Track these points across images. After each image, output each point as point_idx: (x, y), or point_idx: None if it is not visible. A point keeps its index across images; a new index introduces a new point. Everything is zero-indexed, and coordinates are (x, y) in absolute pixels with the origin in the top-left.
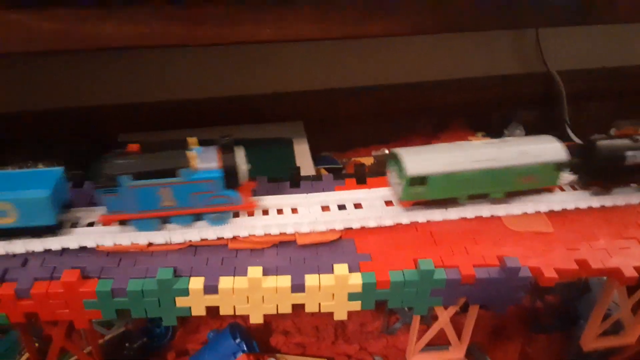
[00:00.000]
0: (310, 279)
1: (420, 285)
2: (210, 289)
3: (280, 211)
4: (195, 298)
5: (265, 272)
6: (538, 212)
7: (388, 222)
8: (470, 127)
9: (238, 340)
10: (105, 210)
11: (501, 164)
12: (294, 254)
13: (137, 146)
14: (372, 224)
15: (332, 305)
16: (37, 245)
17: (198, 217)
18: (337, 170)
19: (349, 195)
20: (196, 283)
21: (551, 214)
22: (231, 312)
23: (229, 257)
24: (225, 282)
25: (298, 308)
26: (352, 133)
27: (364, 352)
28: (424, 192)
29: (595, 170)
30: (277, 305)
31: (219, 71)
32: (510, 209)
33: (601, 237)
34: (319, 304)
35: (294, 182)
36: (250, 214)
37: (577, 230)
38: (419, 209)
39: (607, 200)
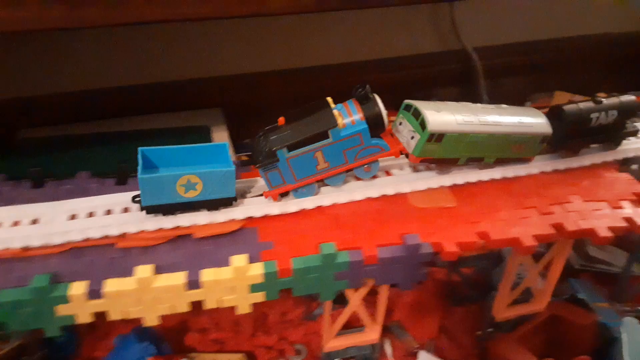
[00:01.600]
0: (207, 274)
1: (323, 270)
2: (95, 293)
3: None
4: (78, 305)
5: (159, 270)
6: (442, 187)
7: (292, 208)
8: (393, 107)
9: (146, 344)
10: (268, 187)
11: (504, 129)
12: (190, 249)
13: (283, 119)
14: (275, 211)
15: (234, 299)
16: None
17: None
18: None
19: (253, 182)
20: (78, 288)
21: (455, 188)
22: (122, 317)
23: (117, 257)
24: (111, 285)
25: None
26: (277, 118)
27: (284, 342)
28: (436, 149)
29: (565, 134)
30: (173, 305)
31: (129, 57)
32: (416, 185)
33: (502, 208)
34: (220, 299)
35: (120, 179)
36: None
37: (479, 203)
38: (325, 193)
39: (509, 171)
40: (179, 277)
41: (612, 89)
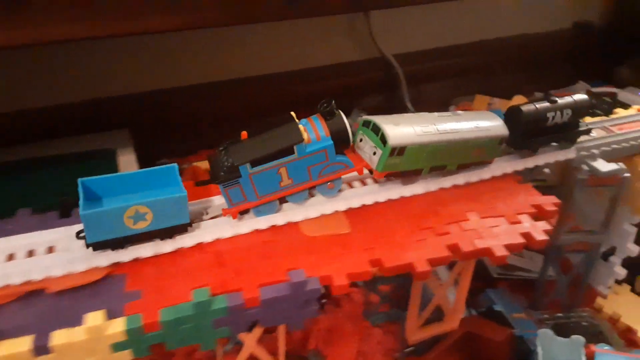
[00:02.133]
0: (58, 337)
1: (197, 319)
2: None
3: (31, 252)
4: None
5: (3, 336)
6: (336, 212)
7: (167, 248)
8: None
9: None
10: (228, 204)
11: (463, 136)
12: (44, 306)
13: (245, 133)
14: (147, 252)
15: None
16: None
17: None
18: None
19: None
20: None
21: (350, 212)
22: None
23: None
24: None
25: None
26: (193, 135)
27: None
28: (399, 163)
29: (523, 134)
30: None
31: (26, 79)
32: (308, 212)
33: (398, 231)
34: None
35: (64, 212)
36: None
37: (375, 227)
38: (206, 228)
39: (406, 191)
40: (25, 343)
41: (533, 89)
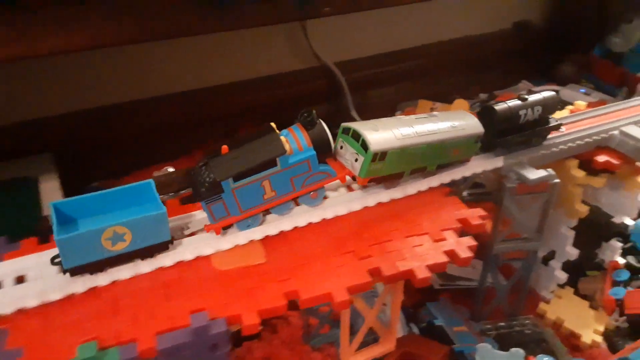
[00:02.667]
0: None
1: None
2: None
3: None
4: None
5: None
6: (252, 242)
7: (55, 296)
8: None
9: None
10: (210, 220)
11: (441, 136)
12: None
13: (226, 147)
14: (32, 302)
15: None
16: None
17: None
18: None
19: (12, 265)
20: None
21: (267, 240)
22: None
23: None
24: None
25: None
26: (128, 154)
27: None
28: (381, 168)
29: (497, 132)
30: None
31: None
32: (220, 244)
33: (318, 258)
34: None
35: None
36: None
37: (293, 255)
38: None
39: (328, 212)
40: None
41: (477, 91)
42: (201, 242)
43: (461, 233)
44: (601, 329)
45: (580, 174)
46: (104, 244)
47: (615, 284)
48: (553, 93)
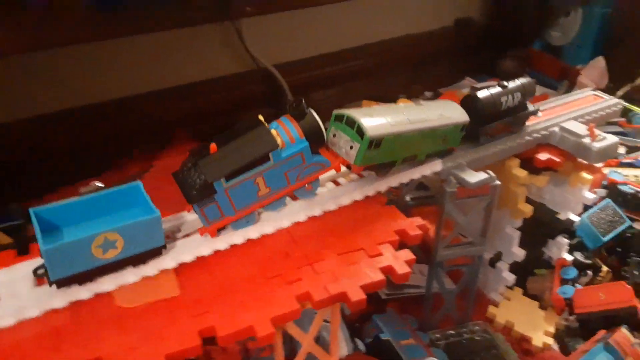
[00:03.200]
0: None
1: None
2: None
3: None
4: None
5: None
6: (163, 272)
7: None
8: (196, 138)
9: None
10: (204, 223)
11: (432, 124)
12: None
13: (214, 145)
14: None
15: None
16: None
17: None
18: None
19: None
20: None
21: (181, 268)
22: None
23: None
24: None
25: None
26: (50, 172)
27: None
28: (377, 155)
29: (481, 119)
30: None
31: None
32: (122, 277)
33: (240, 285)
34: None
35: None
36: None
37: (211, 284)
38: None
39: (252, 232)
40: None
41: (422, 89)
42: (89, 286)
43: (400, 245)
44: (551, 329)
45: (522, 173)
46: (94, 252)
47: (564, 282)
48: (530, 79)
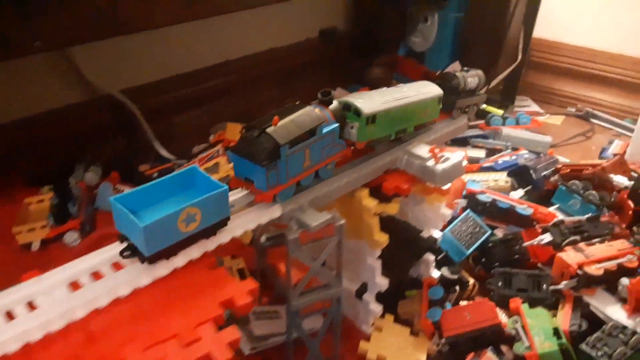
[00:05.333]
0: None
1: None
2: None
3: None
4: None
5: None
6: None
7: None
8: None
9: None
10: (264, 188)
11: (415, 99)
12: None
13: (277, 118)
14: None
15: None
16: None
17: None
18: None
19: None
20: None
21: None
22: None
23: None
24: None
25: None
26: None
27: None
28: (373, 130)
29: (456, 95)
30: None
31: None
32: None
33: None
34: None
35: None
36: None
37: None
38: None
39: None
40: None
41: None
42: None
43: (227, 318)
44: (423, 357)
45: (372, 203)
46: (180, 226)
47: (432, 303)
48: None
